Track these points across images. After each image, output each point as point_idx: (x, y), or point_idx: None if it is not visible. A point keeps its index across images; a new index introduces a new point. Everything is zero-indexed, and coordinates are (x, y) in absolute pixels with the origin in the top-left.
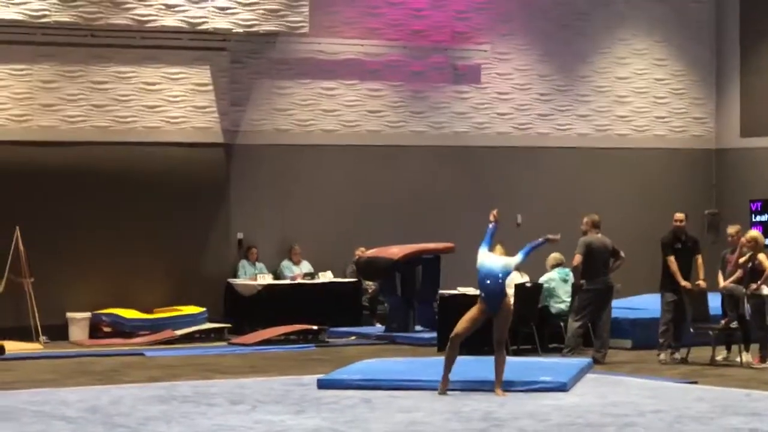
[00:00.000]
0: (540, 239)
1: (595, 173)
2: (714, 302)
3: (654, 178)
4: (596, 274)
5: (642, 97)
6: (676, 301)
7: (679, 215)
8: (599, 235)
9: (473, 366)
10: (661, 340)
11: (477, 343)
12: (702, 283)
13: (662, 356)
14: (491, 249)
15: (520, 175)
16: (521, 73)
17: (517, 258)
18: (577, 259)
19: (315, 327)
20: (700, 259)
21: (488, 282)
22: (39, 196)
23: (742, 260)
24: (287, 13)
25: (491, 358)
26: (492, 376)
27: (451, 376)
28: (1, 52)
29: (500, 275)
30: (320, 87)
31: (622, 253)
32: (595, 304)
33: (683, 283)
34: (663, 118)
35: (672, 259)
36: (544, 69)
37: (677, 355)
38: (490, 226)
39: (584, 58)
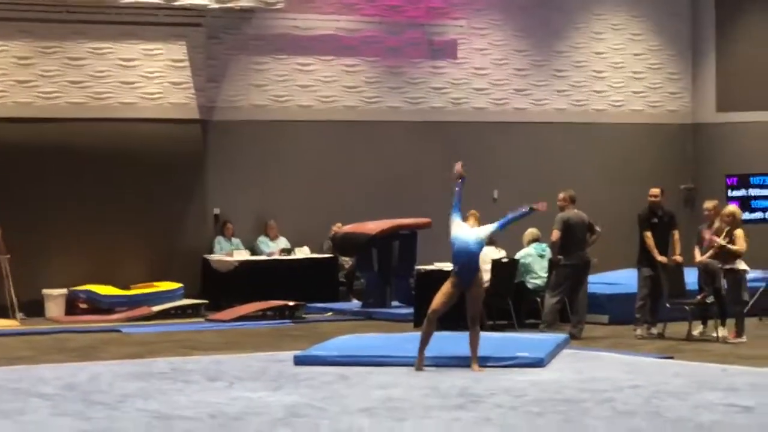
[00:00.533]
0: (523, 208)
1: (572, 148)
2: (690, 277)
3: (631, 153)
4: (573, 250)
5: (619, 72)
6: (653, 276)
7: (655, 190)
8: (576, 210)
9: (449, 342)
10: (637, 315)
11: (453, 318)
12: (678, 258)
13: (639, 331)
14: (465, 219)
15: (497, 151)
16: (497, 48)
17: (490, 227)
18: (555, 234)
19: (292, 303)
20: (676, 234)
21: (462, 255)
22: (14, 173)
23: (718, 237)
24: None
25: (467, 334)
26: (468, 352)
27: (428, 352)
28: None
29: (473, 247)
30: (296, 62)
31: (598, 228)
32: (572, 279)
33: (659, 258)
34: (640, 93)
35: (648, 234)
36: (520, 44)
37: (654, 330)
38: (456, 187)
39: (561, 33)
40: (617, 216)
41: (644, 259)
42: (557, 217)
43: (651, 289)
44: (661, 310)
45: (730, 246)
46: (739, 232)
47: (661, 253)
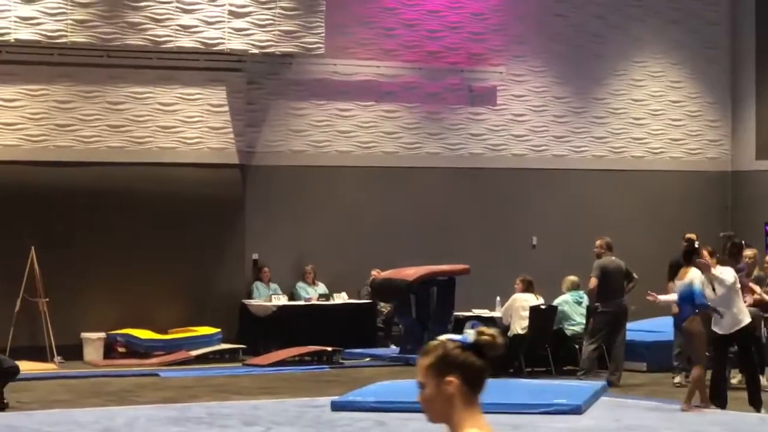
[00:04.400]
0: None
1: (610, 195)
2: None
3: (669, 201)
4: (611, 297)
5: (658, 119)
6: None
7: (690, 236)
8: (613, 257)
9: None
10: (675, 363)
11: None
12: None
13: (677, 379)
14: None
15: (535, 197)
16: (537, 94)
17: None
18: (593, 282)
19: (329, 348)
20: None
21: None
22: (54, 217)
23: (758, 286)
24: (303, 34)
25: (506, 381)
26: (506, 399)
27: None
28: (19, 73)
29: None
30: (335, 108)
31: (635, 275)
32: (609, 326)
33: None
34: (678, 140)
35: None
36: (559, 91)
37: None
38: None
39: (600, 80)
40: (655, 263)
41: None
42: (594, 265)
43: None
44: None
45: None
46: None
47: None
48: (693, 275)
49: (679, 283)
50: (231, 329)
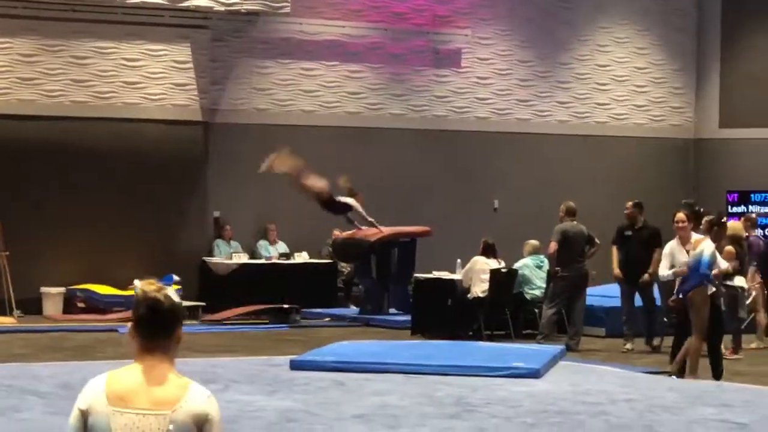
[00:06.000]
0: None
1: (573, 160)
2: None
3: (632, 167)
4: (571, 262)
5: (622, 85)
6: (627, 290)
7: (628, 203)
8: (575, 222)
9: (447, 350)
10: (624, 329)
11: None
12: (646, 277)
13: (628, 345)
14: None
15: (498, 160)
16: (502, 58)
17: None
18: (553, 246)
19: (285, 306)
20: (657, 252)
21: None
22: (16, 170)
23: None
24: None
25: (465, 343)
26: (465, 362)
27: (426, 360)
28: None
29: None
30: (300, 67)
31: (597, 240)
32: (569, 291)
33: (616, 272)
34: (642, 106)
35: (614, 248)
36: (524, 54)
37: (655, 342)
38: None
39: (565, 45)
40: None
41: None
42: (555, 229)
43: (645, 303)
44: (658, 325)
45: (726, 249)
46: (728, 248)
47: (642, 269)
48: (705, 246)
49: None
50: (191, 287)
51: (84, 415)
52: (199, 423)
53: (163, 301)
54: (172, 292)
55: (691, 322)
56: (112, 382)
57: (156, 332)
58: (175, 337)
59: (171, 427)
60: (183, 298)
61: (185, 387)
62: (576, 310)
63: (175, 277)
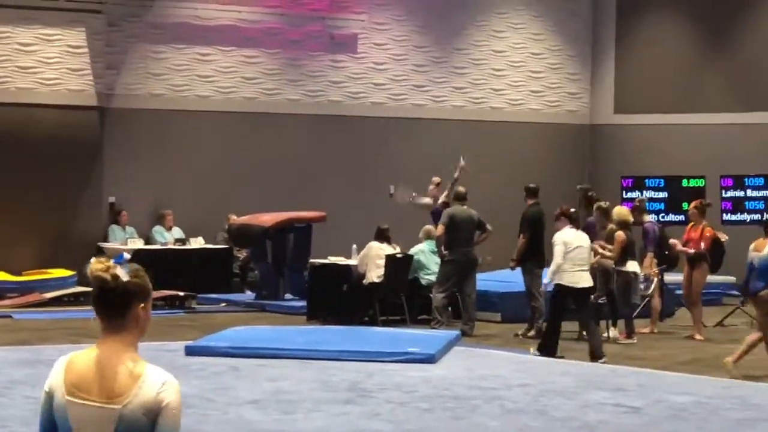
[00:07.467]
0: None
1: (468, 146)
2: None
3: (528, 152)
4: (458, 245)
5: (518, 71)
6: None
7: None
8: (464, 207)
9: (343, 336)
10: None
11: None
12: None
13: (520, 332)
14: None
15: (394, 146)
16: (398, 43)
17: None
18: (440, 229)
19: (181, 293)
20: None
21: None
22: None
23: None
24: None
25: (361, 328)
26: (360, 347)
27: (321, 346)
28: None
29: None
30: (196, 52)
31: (489, 226)
32: (457, 275)
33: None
34: (538, 92)
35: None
36: (420, 40)
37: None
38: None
39: (461, 30)
40: (510, 215)
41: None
42: (443, 212)
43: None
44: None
45: (616, 235)
46: (619, 233)
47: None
48: None
49: (756, 255)
50: (86, 272)
51: (49, 396)
52: (152, 413)
53: (108, 280)
54: (122, 270)
55: (758, 322)
56: (71, 368)
57: (109, 312)
58: (132, 317)
59: (116, 425)
60: (78, 284)
61: (138, 376)
62: (467, 295)
63: (126, 255)
